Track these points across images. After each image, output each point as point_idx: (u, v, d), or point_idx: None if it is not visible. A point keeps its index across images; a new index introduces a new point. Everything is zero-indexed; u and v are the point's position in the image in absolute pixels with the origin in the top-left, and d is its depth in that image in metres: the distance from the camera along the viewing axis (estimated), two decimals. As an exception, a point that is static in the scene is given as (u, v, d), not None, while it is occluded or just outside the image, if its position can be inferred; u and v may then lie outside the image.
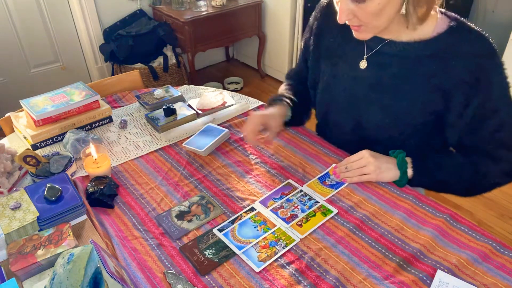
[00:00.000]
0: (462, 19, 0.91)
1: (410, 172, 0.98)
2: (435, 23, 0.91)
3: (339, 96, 1.07)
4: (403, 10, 0.85)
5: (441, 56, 0.90)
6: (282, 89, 1.26)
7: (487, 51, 0.87)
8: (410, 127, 0.98)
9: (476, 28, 0.89)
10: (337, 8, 0.88)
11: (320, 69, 1.11)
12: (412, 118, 0.97)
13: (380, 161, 0.99)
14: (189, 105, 1.35)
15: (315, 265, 0.82)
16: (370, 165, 0.98)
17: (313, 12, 1.13)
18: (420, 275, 0.79)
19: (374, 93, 1.00)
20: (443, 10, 0.93)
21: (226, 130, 1.19)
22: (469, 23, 0.90)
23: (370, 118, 1.02)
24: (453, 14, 0.92)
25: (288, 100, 1.15)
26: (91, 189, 0.98)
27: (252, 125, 1.06)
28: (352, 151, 1.09)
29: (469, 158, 0.96)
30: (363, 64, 1.00)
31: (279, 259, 0.84)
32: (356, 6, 0.84)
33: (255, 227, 0.91)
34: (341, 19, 0.87)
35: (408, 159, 0.98)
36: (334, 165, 1.08)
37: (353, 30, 0.93)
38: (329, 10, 1.04)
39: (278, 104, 1.14)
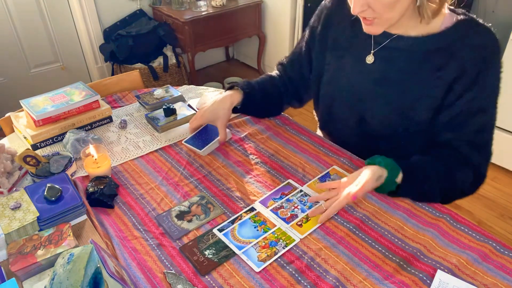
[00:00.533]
0: (470, 14, 0.92)
1: (399, 179, 0.91)
2: (443, 19, 0.92)
3: (344, 90, 1.06)
4: (418, 2, 0.85)
5: (450, 49, 0.90)
6: (261, 76, 1.28)
7: (494, 45, 0.88)
8: (415, 123, 0.98)
9: (484, 23, 0.90)
10: (350, 0, 0.88)
11: (325, 61, 1.10)
12: (416, 114, 0.97)
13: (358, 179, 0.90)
14: (189, 105, 1.35)
15: (315, 265, 0.82)
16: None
17: (322, 1, 1.12)
18: (420, 275, 0.79)
19: (380, 88, 0.99)
20: (451, 7, 0.93)
21: (227, 130, 1.19)
22: (476, 18, 0.91)
23: (375, 113, 1.02)
24: (461, 10, 0.93)
25: (245, 87, 1.18)
26: (91, 189, 0.98)
27: (193, 125, 1.17)
28: (355, 146, 1.08)
29: (447, 165, 0.93)
30: (370, 59, 1.00)
31: (279, 259, 0.84)
32: None
33: (255, 227, 0.91)
34: (354, 10, 0.86)
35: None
36: (334, 166, 1.08)
37: (364, 24, 0.92)
38: (341, 1, 1.04)
39: (232, 90, 1.18)
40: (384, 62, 0.98)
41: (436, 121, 0.96)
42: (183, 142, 1.16)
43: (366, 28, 0.93)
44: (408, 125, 0.99)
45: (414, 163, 0.94)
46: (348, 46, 1.04)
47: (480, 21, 0.90)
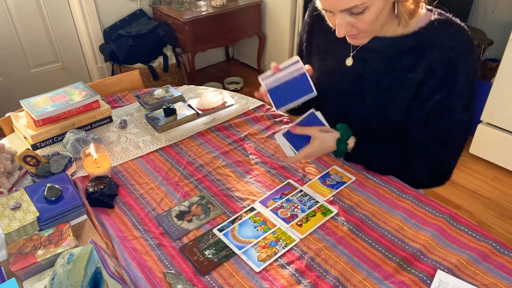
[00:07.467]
0: (446, 14, 0.91)
1: (350, 145, 1.01)
2: (418, 19, 0.92)
3: (327, 91, 1.09)
4: (396, 12, 0.87)
5: (419, 50, 0.90)
6: None
7: (463, 46, 0.87)
8: (389, 123, 1.00)
9: (460, 23, 0.89)
10: (326, 17, 0.90)
11: (312, 65, 1.12)
12: (390, 114, 0.98)
13: (321, 152, 1.01)
14: (189, 105, 1.35)
15: (315, 265, 0.82)
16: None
17: (307, 10, 1.14)
18: (420, 275, 0.79)
19: (357, 87, 1.01)
20: (429, 7, 0.93)
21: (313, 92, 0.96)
22: (454, 18, 0.90)
23: (354, 111, 1.04)
24: (438, 9, 0.92)
25: None
26: (91, 189, 0.98)
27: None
28: None
29: (405, 153, 0.98)
30: (349, 62, 1.02)
31: (279, 259, 0.84)
32: (354, 18, 0.84)
33: (255, 227, 0.91)
34: (340, 33, 0.88)
35: (352, 140, 1.01)
36: (334, 166, 1.08)
37: (349, 38, 0.94)
38: None
39: None
40: (361, 63, 1.00)
41: (407, 120, 0.97)
42: (260, 79, 0.94)
43: (352, 41, 0.95)
44: (383, 124, 1.01)
45: (369, 137, 1.01)
46: (330, 50, 1.07)
47: (456, 20, 0.89)
